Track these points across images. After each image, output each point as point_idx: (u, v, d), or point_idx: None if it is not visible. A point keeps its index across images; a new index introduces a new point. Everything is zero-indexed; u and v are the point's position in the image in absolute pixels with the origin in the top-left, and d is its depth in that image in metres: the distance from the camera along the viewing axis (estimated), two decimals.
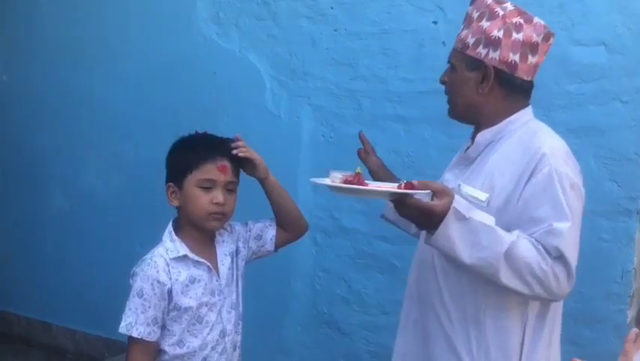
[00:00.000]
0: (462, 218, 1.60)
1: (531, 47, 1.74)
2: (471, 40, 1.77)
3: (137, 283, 1.85)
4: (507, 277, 1.61)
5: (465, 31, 1.81)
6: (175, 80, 3.35)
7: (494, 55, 1.74)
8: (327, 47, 3.03)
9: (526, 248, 1.61)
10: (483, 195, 1.71)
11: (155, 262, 1.86)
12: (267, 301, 3.04)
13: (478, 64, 1.76)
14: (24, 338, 3.98)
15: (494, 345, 1.71)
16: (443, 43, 2.74)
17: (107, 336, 3.72)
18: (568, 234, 1.61)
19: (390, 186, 1.69)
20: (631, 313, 2.54)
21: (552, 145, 1.70)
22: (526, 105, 1.81)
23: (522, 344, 1.71)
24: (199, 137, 1.99)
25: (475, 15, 1.79)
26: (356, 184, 1.65)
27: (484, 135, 1.80)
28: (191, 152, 1.91)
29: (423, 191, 1.60)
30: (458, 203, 1.62)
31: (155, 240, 1.92)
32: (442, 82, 1.87)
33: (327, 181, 1.67)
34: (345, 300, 3.08)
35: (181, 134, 1.99)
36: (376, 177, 2.13)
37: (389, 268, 2.93)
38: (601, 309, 2.52)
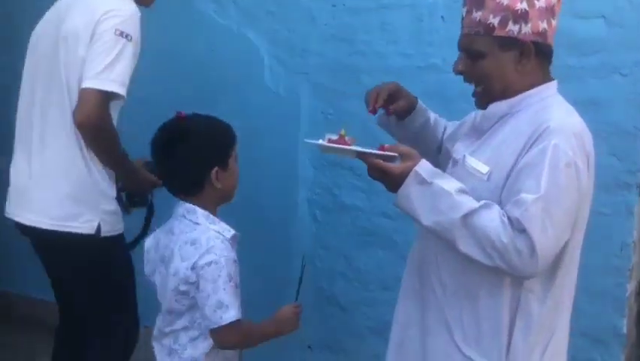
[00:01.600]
0: (423, 182, 1.63)
1: (552, 11, 1.70)
2: (495, 20, 1.67)
3: (224, 269, 1.86)
4: (465, 245, 1.60)
5: (480, 13, 1.70)
6: (173, 57, 3.33)
7: (526, 29, 1.67)
8: (326, 22, 3.01)
9: (488, 218, 1.57)
10: (484, 168, 1.69)
11: (223, 243, 1.90)
12: (268, 278, 3.05)
13: (513, 42, 1.68)
14: (26, 317, 3.99)
15: (485, 321, 1.70)
16: (442, 17, 2.73)
17: None
18: (532, 205, 1.54)
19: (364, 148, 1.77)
20: (630, 287, 2.55)
21: (559, 121, 1.64)
22: (551, 79, 1.77)
23: (513, 324, 1.67)
24: (207, 116, 2.05)
25: None
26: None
27: (498, 107, 1.74)
28: (227, 130, 2.01)
29: (390, 153, 1.68)
30: (422, 167, 1.65)
31: None
32: (459, 72, 1.77)
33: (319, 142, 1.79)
34: (346, 276, 3.10)
35: (181, 110, 2.00)
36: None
37: (390, 244, 2.94)
38: (600, 282, 2.54)
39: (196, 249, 1.89)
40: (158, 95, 3.37)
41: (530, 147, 1.62)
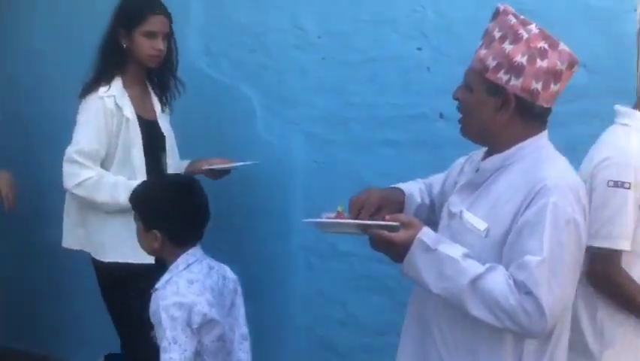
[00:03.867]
0: (427, 249, 1.63)
1: (555, 75, 1.66)
2: (492, 63, 1.68)
3: None
4: (475, 309, 1.60)
5: (484, 51, 1.71)
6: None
7: (516, 82, 1.66)
8: (316, 75, 3.10)
9: (495, 282, 1.58)
10: (482, 225, 1.69)
11: None
12: (263, 326, 3.06)
13: (498, 89, 1.68)
14: None
15: None
16: (428, 68, 2.81)
17: None
18: (537, 268, 1.55)
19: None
20: None
21: (556, 177, 1.63)
22: (542, 130, 1.75)
23: None
24: None
25: (497, 35, 1.69)
26: None
27: (491, 162, 1.75)
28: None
29: (391, 223, 1.67)
30: (426, 234, 1.65)
31: None
32: (456, 98, 1.80)
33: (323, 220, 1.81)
34: (342, 322, 3.11)
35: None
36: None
37: (385, 290, 2.96)
38: None
39: None
40: None
41: (529, 205, 1.61)
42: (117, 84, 2.73)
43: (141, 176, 2.70)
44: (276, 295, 3.24)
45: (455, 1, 2.75)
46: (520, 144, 1.72)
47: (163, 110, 2.91)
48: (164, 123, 2.89)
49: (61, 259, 3.18)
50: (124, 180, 2.66)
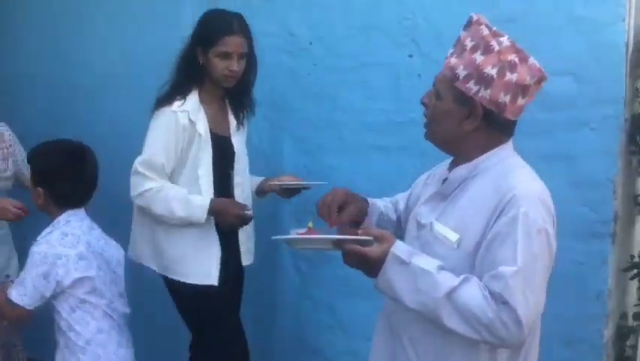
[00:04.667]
0: (402, 263, 1.61)
1: (523, 89, 1.66)
2: (462, 73, 1.67)
3: None
4: (451, 322, 1.58)
5: (455, 60, 1.70)
6: None
7: (484, 93, 1.65)
8: (308, 80, 3.12)
9: (470, 294, 1.56)
10: (454, 237, 1.68)
11: None
12: (252, 330, 3.06)
13: (466, 99, 1.67)
14: None
15: None
16: (419, 75, 2.83)
17: None
18: (511, 278, 1.54)
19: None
20: (607, 334, 2.60)
21: (524, 187, 1.63)
22: (507, 140, 1.75)
23: None
24: None
25: (469, 45, 1.69)
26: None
27: (458, 172, 1.75)
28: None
29: (364, 237, 1.65)
30: (399, 248, 1.64)
31: None
32: (423, 103, 1.79)
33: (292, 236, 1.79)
34: (330, 327, 3.12)
35: None
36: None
37: (374, 295, 2.93)
38: (578, 330, 2.58)
39: None
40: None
41: (499, 215, 1.61)
42: (193, 99, 2.71)
43: (208, 192, 2.71)
44: (265, 299, 3.24)
45: (446, 8, 2.76)
46: (486, 154, 1.72)
47: (238, 128, 2.88)
48: (237, 141, 2.86)
49: None
50: (183, 194, 2.66)
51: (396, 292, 1.63)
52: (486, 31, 1.69)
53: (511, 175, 1.67)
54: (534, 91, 1.70)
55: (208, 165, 2.73)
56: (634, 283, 2.91)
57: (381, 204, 2.09)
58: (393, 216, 2.10)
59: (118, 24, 3.66)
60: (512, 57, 1.65)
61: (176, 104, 2.67)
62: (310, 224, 1.78)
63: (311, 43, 3.10)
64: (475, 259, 1.63)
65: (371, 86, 2.98)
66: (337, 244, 1.68)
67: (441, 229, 1.71)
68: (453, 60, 1.71)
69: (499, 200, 1.62)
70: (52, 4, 3.91)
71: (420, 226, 1.81)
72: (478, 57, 1.66)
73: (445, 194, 1.78)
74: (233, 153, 2.84)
